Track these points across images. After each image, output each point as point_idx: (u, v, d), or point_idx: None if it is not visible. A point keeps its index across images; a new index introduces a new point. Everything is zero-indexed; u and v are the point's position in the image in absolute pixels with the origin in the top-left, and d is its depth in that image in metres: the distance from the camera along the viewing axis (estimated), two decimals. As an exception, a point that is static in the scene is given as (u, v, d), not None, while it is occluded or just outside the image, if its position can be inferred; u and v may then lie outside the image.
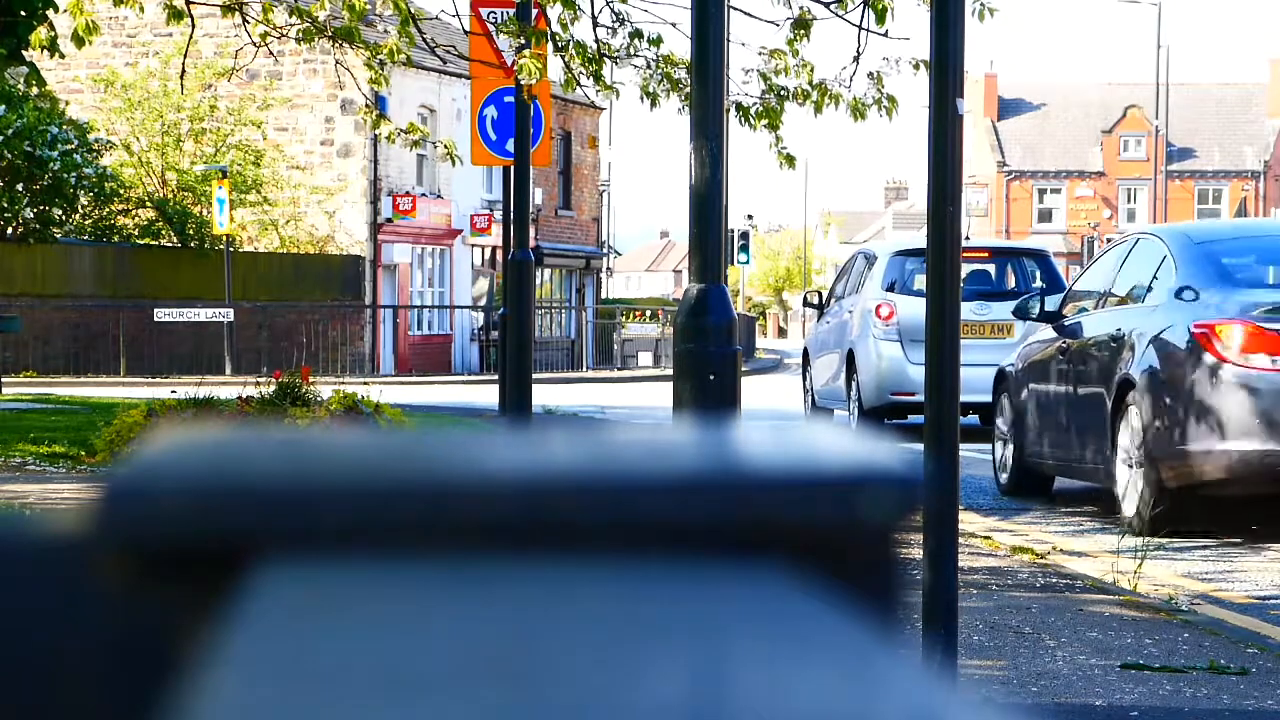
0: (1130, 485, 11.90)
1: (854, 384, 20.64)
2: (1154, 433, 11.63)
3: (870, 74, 12.94)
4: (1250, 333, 11.34)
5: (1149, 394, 11.73)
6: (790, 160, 13.61)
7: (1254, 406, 11.30)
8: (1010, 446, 14.37)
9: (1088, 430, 12.71)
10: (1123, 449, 12.03)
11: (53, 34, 13.30)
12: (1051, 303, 14.05)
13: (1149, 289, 12.54)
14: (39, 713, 0.80)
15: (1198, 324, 11.50)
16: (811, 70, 13.09)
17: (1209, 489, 11.61)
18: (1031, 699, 6.47)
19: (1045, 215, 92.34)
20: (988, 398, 15.48)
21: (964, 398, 7.00)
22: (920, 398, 7.69)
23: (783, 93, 13.06)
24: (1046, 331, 13.99)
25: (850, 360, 20.80)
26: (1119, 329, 12.45)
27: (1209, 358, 11.38)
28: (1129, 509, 11.89)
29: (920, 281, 18.94)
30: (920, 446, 6.31)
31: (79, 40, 11.96)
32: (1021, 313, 14.50)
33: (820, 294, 23.72)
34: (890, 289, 20.48)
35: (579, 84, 13.93)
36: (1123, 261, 13.31)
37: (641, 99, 13.59)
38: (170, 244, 41.77)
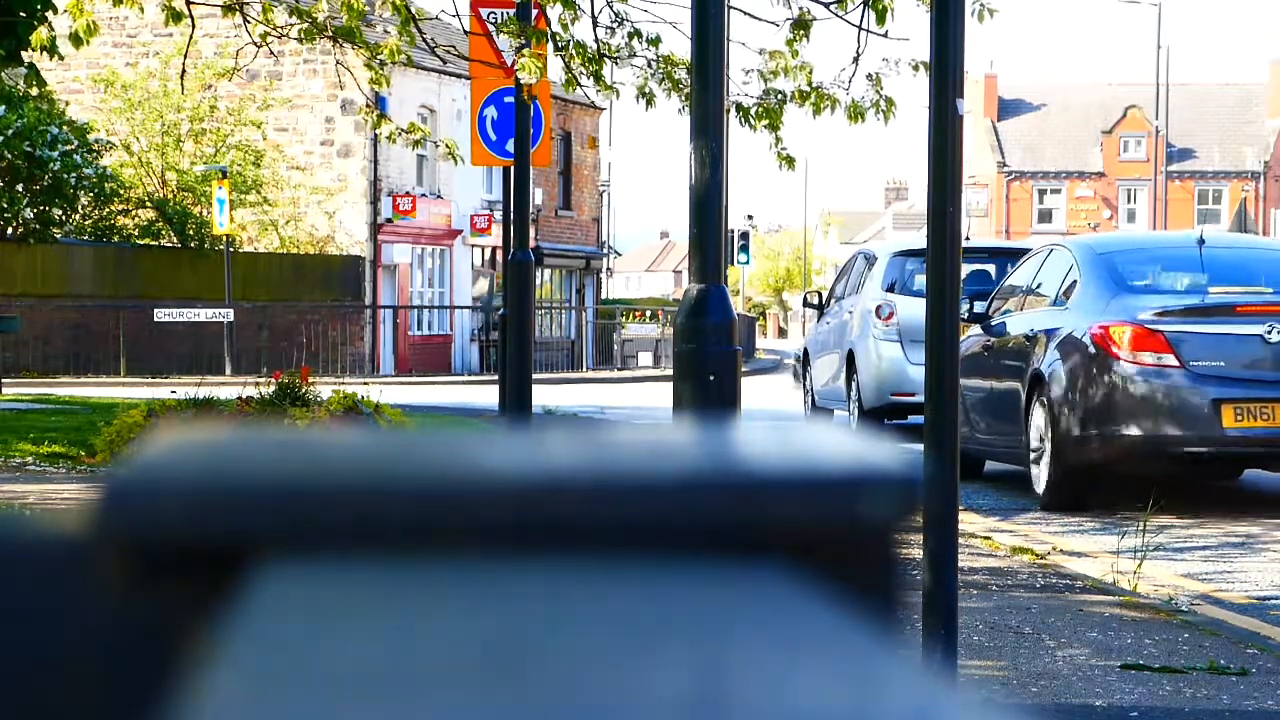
0: (1041, 466, 13.47)
1: (854, 384, 20.63)
2: (1060, 420, 13.22)
3: (868, 75, 12.94)
4: (1138, 334, 12.92)
5: (1056, 387, 13.33)
6: (790, 161, 13.62)
7: (1141, 397, 12.89)
8: None
9: (1007, 418, 14.22)
10: (1035, 434, 13.59)
11: (52, 35, 13.30)
12: (980, 306, 15.41)
13: (1058, 294, 14.14)
14: (39, 712, 0.80)
15: (1095, 326, 13.10)
16: (810, 72, 13.09)
17: (1106, 468, 13.34)
18: (1031, 699, 6.47)
19: (1045, 216, 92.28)
20: None
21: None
22: (920, 398, 7.70)
23: (780, 97, 13.06)
24: (977, 330, 15.32)
25: (850, 360, 20.79)
26: (1032, 329, 14.01)
27: (1104, 355, 13.00)
28: (1039, 486, 13.51)
29: (920, 282, 18.95)
30: (920, 446, 6.31)
31: (76, 40, 11.94)
32: None
33: (820, 294, 23.68)
34: (890, 289, 20.46)
35: (579, 84, 13.92)
36: (1038, 269, 14.90)
37: (637, 99, 13.58)
38: (170, 244, 41.76)
